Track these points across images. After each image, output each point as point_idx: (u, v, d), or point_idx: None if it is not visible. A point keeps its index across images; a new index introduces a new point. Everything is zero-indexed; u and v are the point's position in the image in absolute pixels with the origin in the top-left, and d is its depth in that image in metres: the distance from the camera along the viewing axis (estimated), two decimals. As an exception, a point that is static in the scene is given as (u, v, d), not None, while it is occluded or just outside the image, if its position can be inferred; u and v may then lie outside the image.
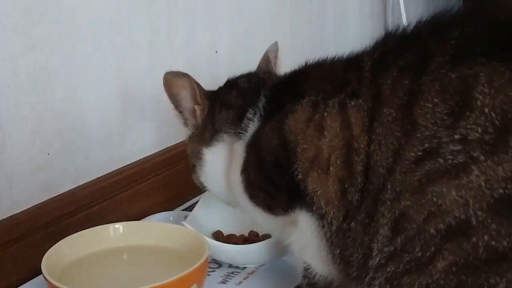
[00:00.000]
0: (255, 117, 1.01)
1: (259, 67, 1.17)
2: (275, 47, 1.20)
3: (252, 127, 1.01)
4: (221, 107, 1.08)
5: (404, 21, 2.35)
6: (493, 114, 0.76)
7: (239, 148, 1.02)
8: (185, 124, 1.13)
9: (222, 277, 1.17)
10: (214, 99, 1.10)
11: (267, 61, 1.18)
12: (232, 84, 1.12)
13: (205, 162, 1.10)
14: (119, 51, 1.40)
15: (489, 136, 0.76)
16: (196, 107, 1.11)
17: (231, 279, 1.17)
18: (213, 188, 1.13)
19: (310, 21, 2.10)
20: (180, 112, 1.12)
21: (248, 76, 1.12)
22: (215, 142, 1.08)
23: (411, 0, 2.55)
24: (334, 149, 0.88)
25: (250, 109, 1.01)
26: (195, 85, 1.10)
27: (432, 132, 0.79)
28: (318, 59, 1.00)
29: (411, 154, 0.81)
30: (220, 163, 1.08)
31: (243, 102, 1.04)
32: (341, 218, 0.88)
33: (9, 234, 1.16)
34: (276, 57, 1.19)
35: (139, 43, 1.45)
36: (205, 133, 1.10)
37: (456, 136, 0.78)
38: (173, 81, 1.10)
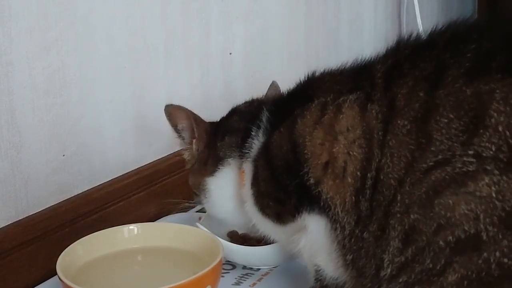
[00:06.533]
0: (259, 133, 1.01)
1: (266, 95, 1.18)
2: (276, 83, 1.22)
3: (257, 142, 1.01)
4: (223, 134, 1.09)
5: (419, 24, 2.34)
6: (507, 133, 0.75)
7: (247, 166, 1.03)
8: (190, 154, 1.16)
9: (236, 278, 1.17)
10: (214, 129, 1.12)
11: (274, 88, 1.20)
12: (233, 110, 1.13)
13: (209, 191, 1.11)
14: (134, 53, 1.40)
15: (503, 155, 0.75)
16: (193, 141, 1.13)
17: (245, 280, 1.17)
18: (219, 214, 1.14)
19: (324, 24, 2.09)
20: (184, 141, 1.15)
21: (249, 101, 1.14)
22: (220, 168, 1.09)
23: (425, 3, 2.54)
24: (354, 159, 0.87)
25: (254, 127, 1.02)
26: (191, 119, 1.12)
27: (447, 147, 0.79)
28: (326, 69, 0.99)
29: (423, 165, 0.80)
30: (226, 188, 1.09)
31: (246, 123, 1.05)
32: (353, 224, 0.88)
33: (25, 235, 1.17)
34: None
35: (154, 45, 1.45)
36: (206, 164, 1.11)
37: (470, 152, 0.77)
38: (173, 113, 1.12)
